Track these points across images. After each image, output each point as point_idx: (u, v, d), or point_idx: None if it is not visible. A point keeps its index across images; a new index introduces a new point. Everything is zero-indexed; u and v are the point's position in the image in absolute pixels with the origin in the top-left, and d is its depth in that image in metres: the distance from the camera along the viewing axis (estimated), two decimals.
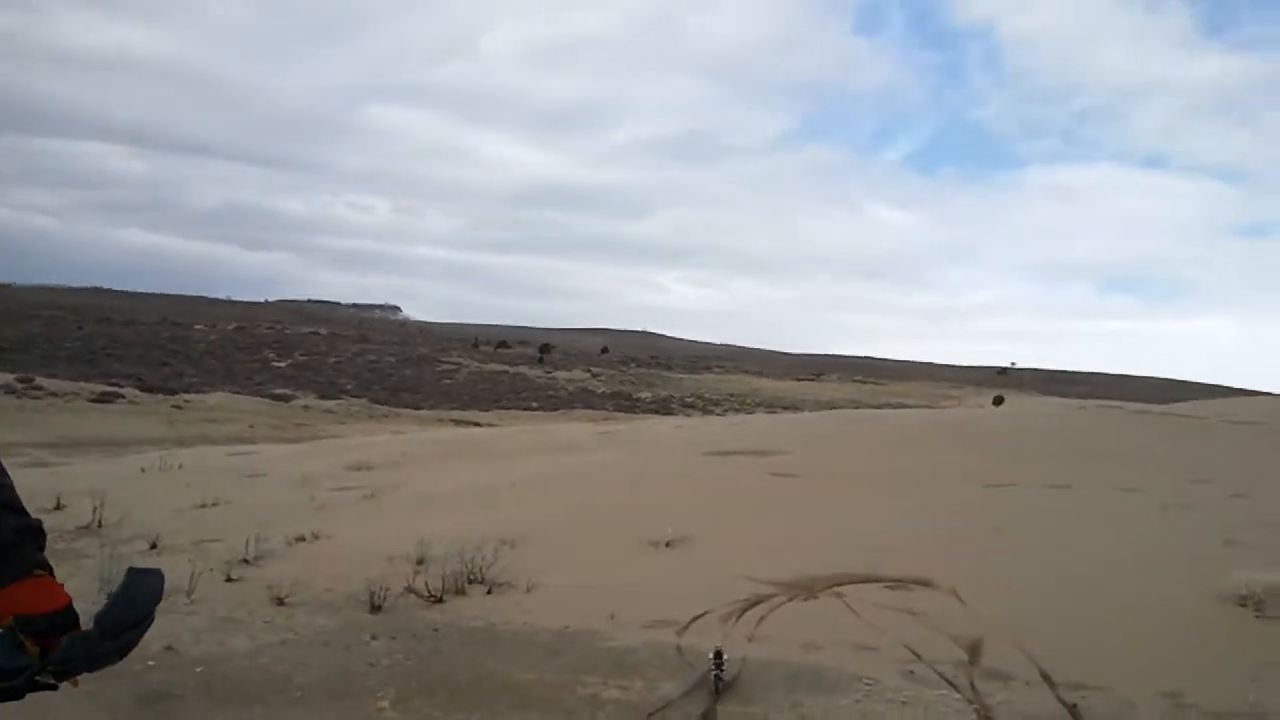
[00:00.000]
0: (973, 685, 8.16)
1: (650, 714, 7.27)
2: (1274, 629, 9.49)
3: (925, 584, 10.98)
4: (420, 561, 11.31)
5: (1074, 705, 7.75)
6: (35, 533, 2.00)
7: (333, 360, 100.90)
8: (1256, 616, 9.79)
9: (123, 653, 1.86)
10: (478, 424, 57.76)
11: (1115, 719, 7.52)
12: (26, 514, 1.99)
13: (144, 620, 1.87)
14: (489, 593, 10.46)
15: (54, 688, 1.81)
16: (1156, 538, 13.42)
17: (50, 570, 2.00)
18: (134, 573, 1.90)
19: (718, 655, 7.80)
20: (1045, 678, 8.40)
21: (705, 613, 9.73)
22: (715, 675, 7.66)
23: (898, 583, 11.05)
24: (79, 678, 1.83)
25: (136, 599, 1.85)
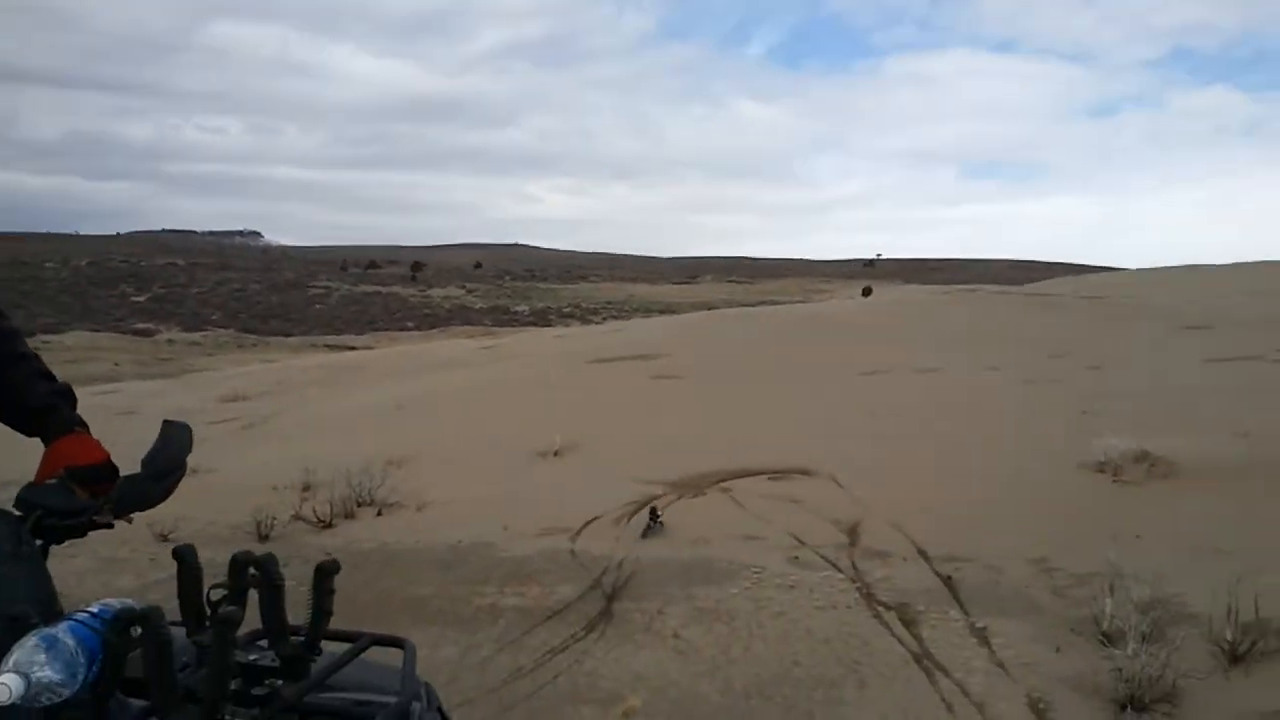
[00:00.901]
0: (854, 565, 8.55)
1: (548, 617, 7.42)
2: (1130, 492, 10.15)
3: (806, 473, 11.37)
4: (306, 488, 11.18)
5: (948, 577, 8.20)
6: (67, 394, 2.24)
7: (195, 291, 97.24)
8: (1114, 481, 10.45)
9: (166, 493, 2.06)
10: (353, 348, 56.74)
11: (986, 586, 7.98)
12: (55, 379, 2.23)
13: (182, 465, 2.06)
14: (379, 514, 10.44)
15: (110, 526, 2.01)
16: (1020, 413, 14.13)
17: (87, 428, 2.24)
18: (168, 424, 2.09)
19: (653, 511, 9.47)
20: (921, 553, 8.86)
21: (597, 517, 9.91)
22: (651, 524, 9.31)
23: (780, 473, 11.42)
24: (132, 515, 2.04)
25: (174, 446, 2.04)
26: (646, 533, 9.19)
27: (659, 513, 9.52)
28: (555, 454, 12.90)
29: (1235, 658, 6.56)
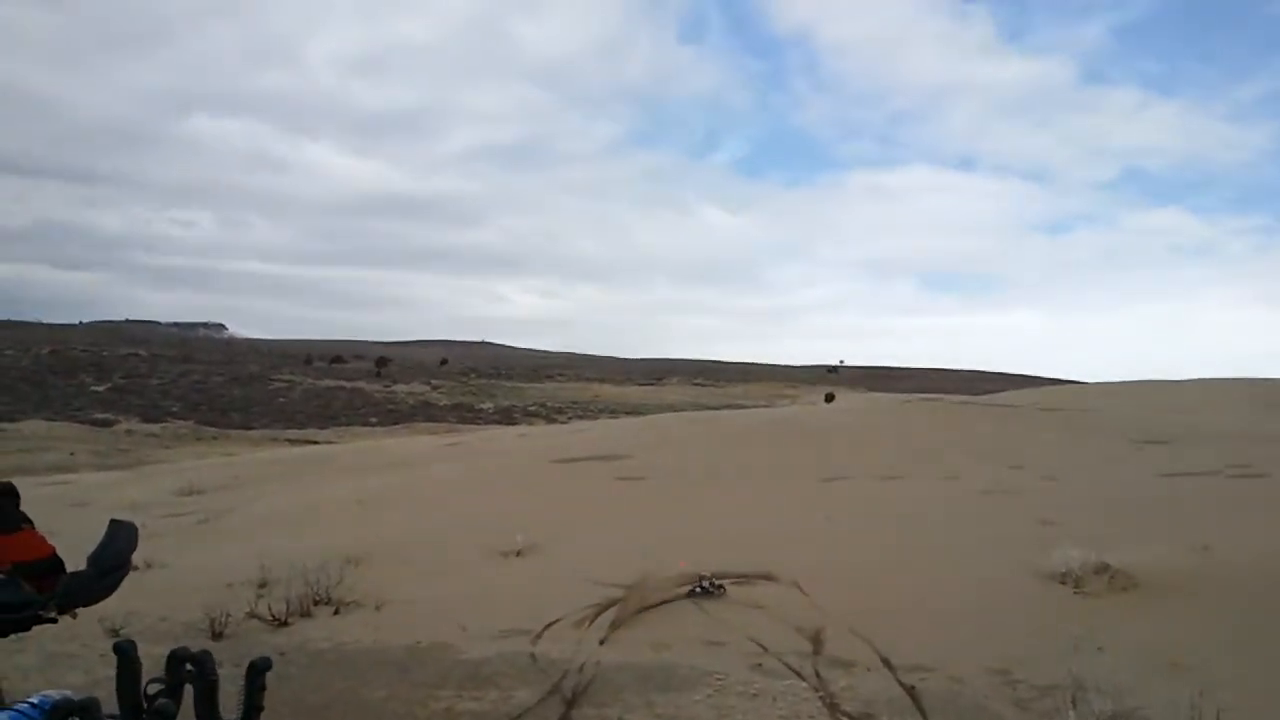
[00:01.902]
0: (817, 674, 8.47)
1: None
2: (1090, 604, 10.17)
3: (769, 578, 11.31)
4: (262, 585, 10.99)
5: (912, 687, 8.13)
6: (11, 493, 2.25)
7: (155, 382, 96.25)
8: (1075, 592, 10.47)
9: (110, 589, 2.10)
10: (315, 442, 56.18)
11: (949, 697, 7.93)
12: None
13: (126, 562, 2.10)
14: (336, 613, 10.26)
15: (54, 620, 2.05)
16: (980, 523, 14.18)
17: (32, 524, 2.26)
18: (114, 523, 2.14)
19: (701, 580, 10.28)
20: (885, 662, 8.79)
21: (558, 619, 9.79)
22: (703, 588, 10.25)
23: (743, 578, 11.35)
24: (76, 611, 2.08)
25: (120, 543, 2.09)
26: (702, 594, 10.18)
27: (714, 584, 10.35)
28: (517, 554, 12.78)
29: None
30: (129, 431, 64.82)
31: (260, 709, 1.84)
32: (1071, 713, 7.10)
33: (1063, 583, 10.71)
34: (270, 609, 9.93)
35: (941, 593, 10.73)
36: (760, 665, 8.64)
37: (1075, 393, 55.40)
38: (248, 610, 9.94)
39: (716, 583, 9.90)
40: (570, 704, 7.69)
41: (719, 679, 8.19)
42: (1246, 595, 9.91)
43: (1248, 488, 16.39)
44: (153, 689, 1.76)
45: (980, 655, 8.93)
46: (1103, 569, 10.72)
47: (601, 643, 9.21)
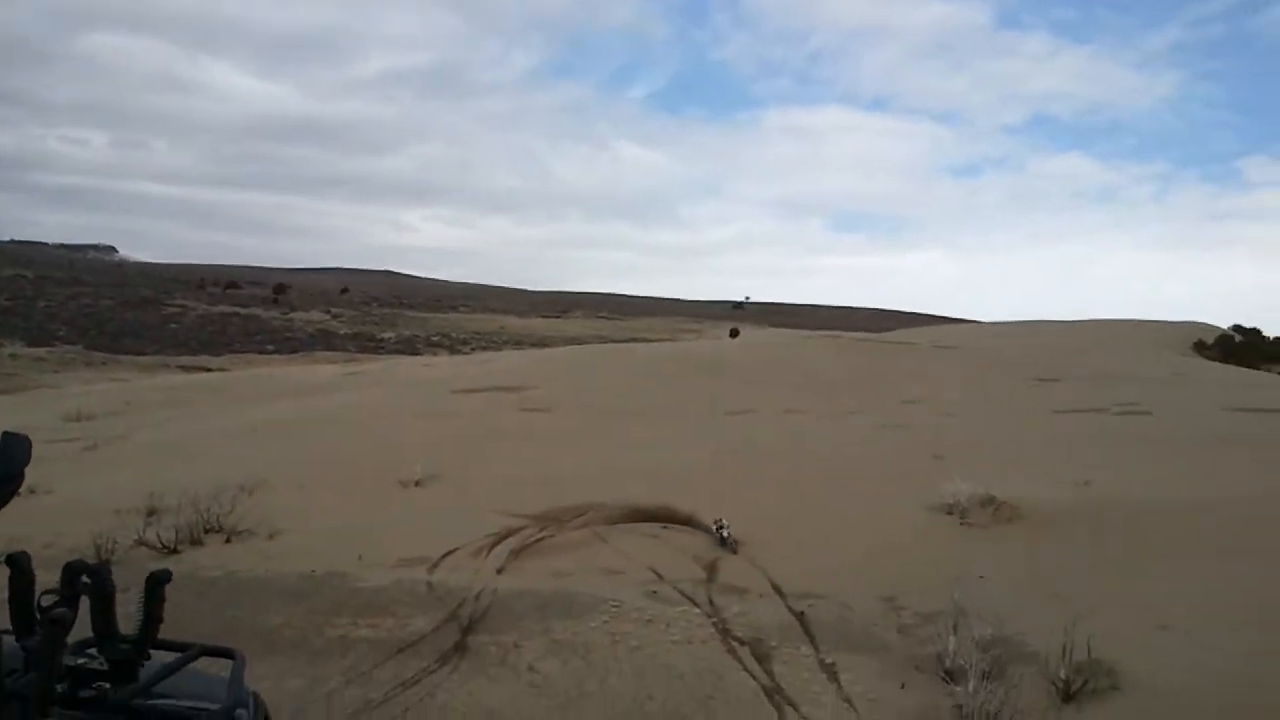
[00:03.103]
0: (711, 600, 8.64)
1: (401, 649, 7.27)
2: (975, 535, 10.54)
3: (668, 508, 11.44)
4: (151, 512, 10.73)
5: (801, 613, 8.34)
6: None
7: (42, 304, 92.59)
8: (961, 524, 10.83)
9: (4, 502, 1.94)
10: (209, 370, 54.81)
11: (837, 623, 8.15)
12: None
13: (19, 475, 1.94)
14: (228, 541, 10.08)
15: None
16: (875, 456, 14.53)
17: None
18: (7, 435, 1.97)
19: (718, 524, 10.00)
20: (777, 589, 9.00)
21: (456, 548, 9.78)
22: (722, 537, 9.89)
23: (643, 508, 11.47)
24: None
25: (11, 456, 1.92)
26: (726, 544, 9.84)
27: (725, 525, 10.10)
28: (416, 484, 12.70)
29: (1068, 696, 6.84)
30: (13, 355, 62.39)
31: (160, 621, 1.78)
32: (952, 638, 7.36)
33: (950, 514, 11.07)
34: (159, 536, 9.72)
35: (835, 524, 10.99)
36: (656, 593, 8.76)
37: (974, 332, 56.91)
38: (136, 538, 9.72)
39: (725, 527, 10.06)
40: (466, 630, 7.71)
41: (615, 606, 8.29)
42: (1121, 528, 10.37)
43: (1132, 425, 17.07)
44: (46, 600, 1.68)
45: (869, 583, 9.19)
46: (989, 501, 11.10)
47: (499, 571, 9.24)
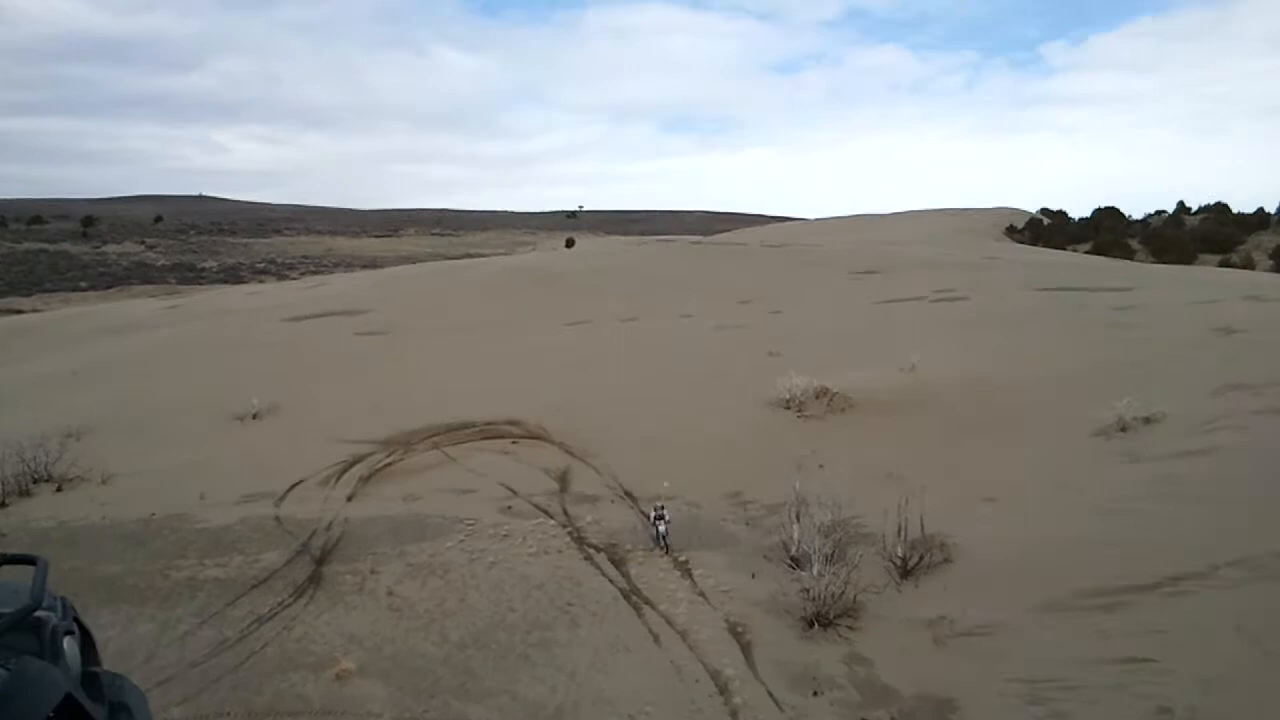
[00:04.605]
0: (565, 510, 8.81)
1: (253, 586, 7.18)
2: (812, 425, 10.99)
3: (516, 423, 11.52)
4: None
5: (652, 515, 8.60)
6: None
7: None
8: (798, 416, 11.27)
9: None
10: (18, 311, 51.51)
11: (688, 522, 8.46)
12: None
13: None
14: (59, 490, 9.68)
15: None
16: (713, 357, 14.88)
17: None
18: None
19: (659, 510, 8.17)
20: (627, 494, 9.24)
21: (302, 480, 9.64)
22: (657, 530, 8.06)
23: (490, 425, 11.50)
24: None
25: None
26: (657, 539, 8.07)
27: (663, 509, 8.24)
28: (254, 417, 12.38)
29: (906, 572, 7.33)
30: None
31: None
32: (795, 526, 7.75)
33: (787, 408, 11.50)
34: None
35: (679, 426, 11.27)
36: (510, 508, 8.88)
37: (799, 230, 58.31)
38: None
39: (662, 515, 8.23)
40: (320, 561, 7.66)
41: (470, 524, 8.36)
42: (946, 408, 10.99)
43: (950, 310, 17.94)
44: None
45: (715, 481, 9.53)
46: (823, 393, 11.58)
47: (349, 499, 9.18)
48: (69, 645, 1.83)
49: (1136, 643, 6.00)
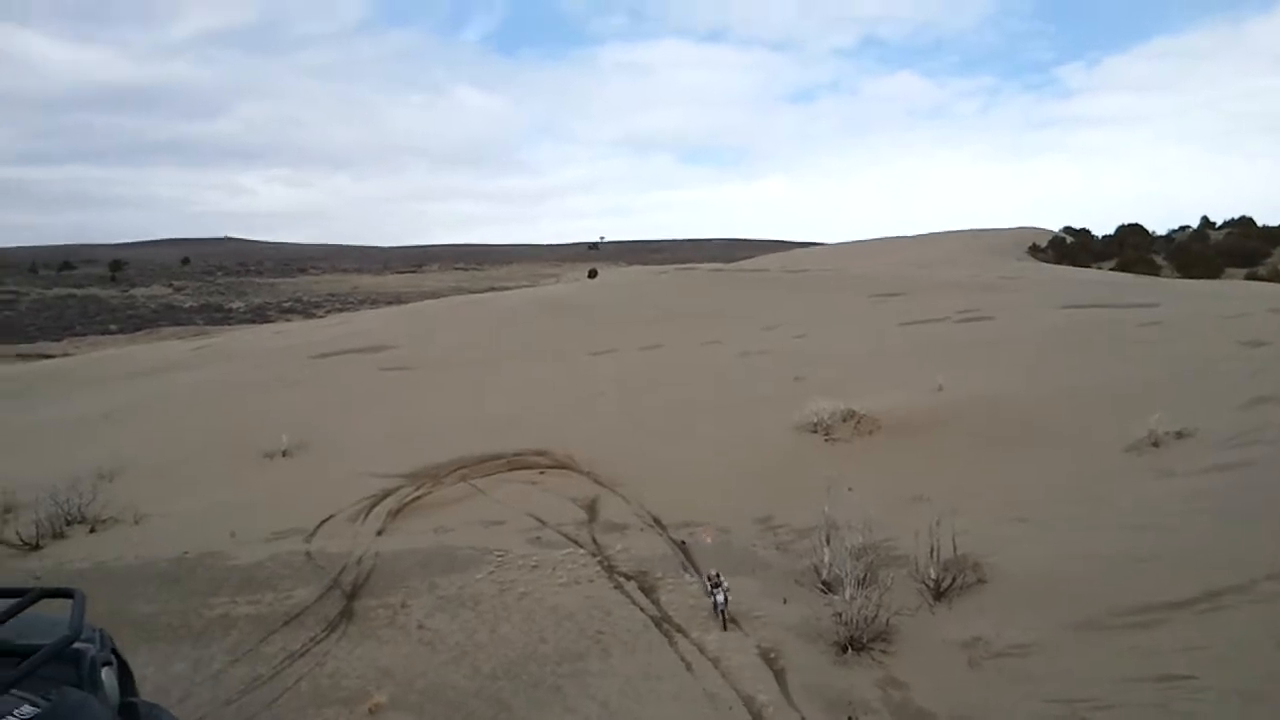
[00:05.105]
0: (594, 540, 8.80)
1: (285, 622, 7.20)
2: (840, 449, 10.95)
3: (543, 453, 11.54)
4: (7, 510, 10.29)
5: (682, 543, 8.59)
6: None
7: None
8: (826, 440, 11.23)
9: None
10: (49, 356, 52.14)
11: (718, 548, 8.42)
12: None
13: None
14: (92, 531, 9.76)
15: None
16: (739, 383, 14.87)
17: None
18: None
19: (715, 578, 7.18)
20: (656, 522, 9.22)
21: (332, 515, 9.68)
22: (715, 596, 7.06)
23: (518, 456, 11.53)
24: None
25: None
26: (715, 609, 7.09)
27: (720, 578, 7.23)
28: (283, 455, 12.46)
29: (939, 593, 7.26)
30: None
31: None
32: (826, 550, 7.70)
33: (815, 432, 11.46)
34: (19, 533, 9.35)
35: (707, 452, 11.25)
36: (539, 538, 8.88)
37: (820, 254, 58.27)
38: None
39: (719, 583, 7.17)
40: (351, 596, 7.67)
41: (500, 555, 8.36)
42: (974, 428, 10.93)
43: (974, 330, 17.87)
44: None
45: (744, 507, 9.50)
46: (850, 416, 11.55)
47: (379, 534, 9.20)
48: (107, 676, 1.85)
49: (1174, 660, 5.92)
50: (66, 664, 1.66)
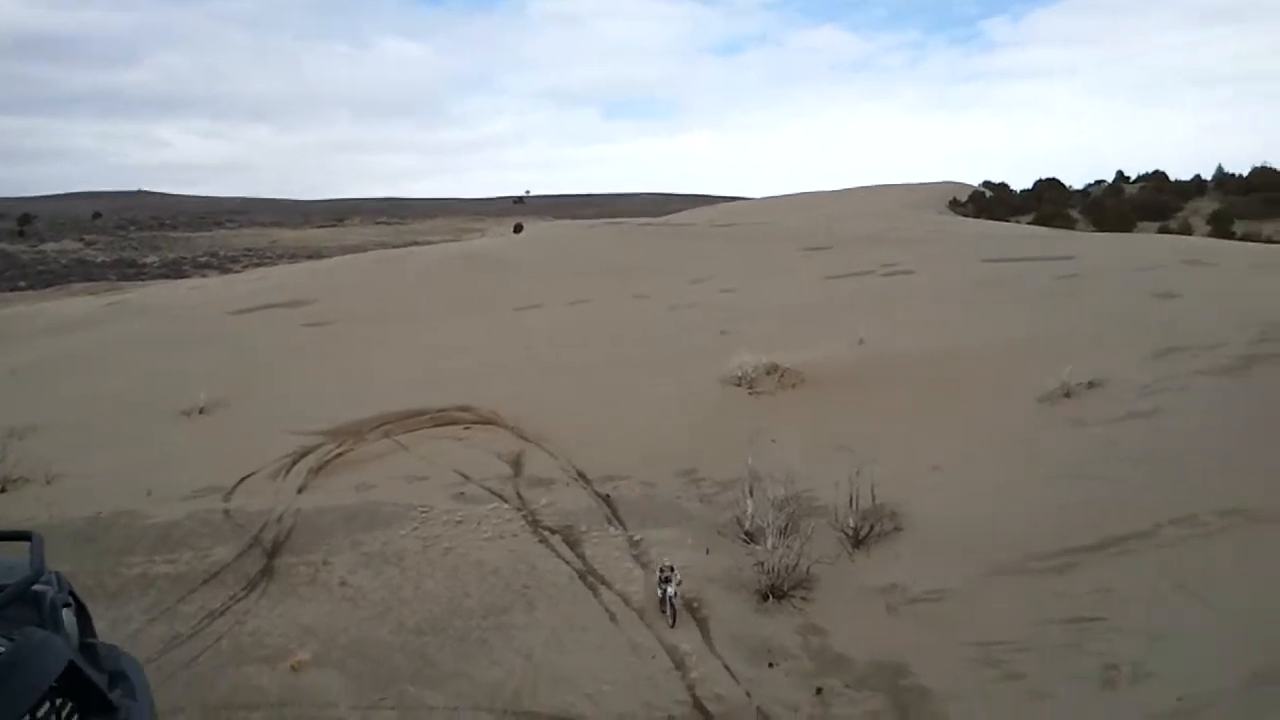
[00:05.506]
0: (519, 494, 8.80)
1: (204, 581, 7.11)
2: (763, 402, 11.05)
3: (467, 409, 11.47)
4: None
5: (607, 496, 8.64)
6: None
7: None
8: (750, 393, 11.32)
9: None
10: None
11: (642, 501, 8.49)
12: None
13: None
14: (3, 491, 9.51)
15: None
16: (665, 337, 14.91)
17: None
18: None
19: (665, 571, 6.78)
20: (580, 476, 9.25)
21: (251, 473, 9.54)
22: (664, 589, 6.67)
23: (442, 412, 11.44)
24: None
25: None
26: (663, 601, 6.72)
27: (673, 576, 6.80)
28: (200, 412, 12.22)
29: (858, 542, 7.41)
30: None
31: None
32: (749, 501, 7.80)
33: (739, 385, 11.55)
34: None
35: (632, 406, 11.28)
36: (463, 494, 8.84)
37: (747, 209, 58.44)
38: None
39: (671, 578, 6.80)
40: (272, 554, 7.59)
41: (424, 511, 8.32)
42: (894, 381, 11.10)
43: (897, 284, 18.09)
44: None
45: (668, 460, 9.55)
46: (773, 370, 11.65)
47: (300, 491, 9.09)
48: (67, 617, 1.83)
49: (1085, 602, 6.14)
50: (27, 605, 1.63)
